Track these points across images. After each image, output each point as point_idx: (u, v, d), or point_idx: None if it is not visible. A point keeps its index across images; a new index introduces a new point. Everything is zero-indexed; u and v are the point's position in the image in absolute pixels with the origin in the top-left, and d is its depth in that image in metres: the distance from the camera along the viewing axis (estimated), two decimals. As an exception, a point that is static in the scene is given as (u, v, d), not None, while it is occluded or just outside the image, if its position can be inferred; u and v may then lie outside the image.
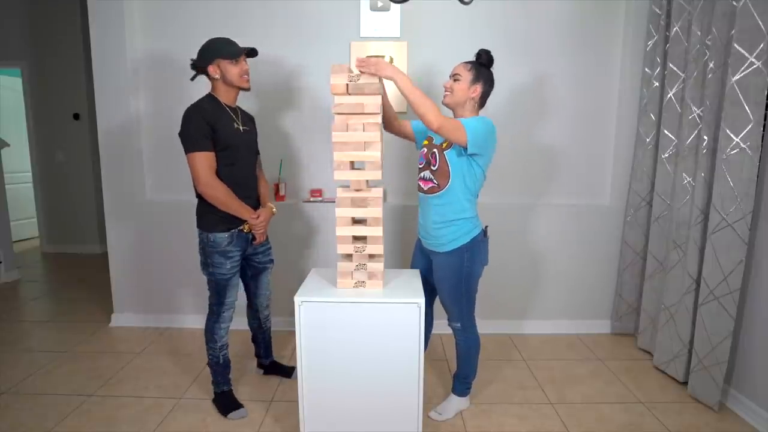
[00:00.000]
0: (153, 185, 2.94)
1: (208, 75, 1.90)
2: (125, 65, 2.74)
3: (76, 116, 4.62)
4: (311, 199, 2.84)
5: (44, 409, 2.07)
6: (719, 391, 2.06)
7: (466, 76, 1.86)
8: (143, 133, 2.87)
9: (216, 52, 1.85)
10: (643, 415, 2.08)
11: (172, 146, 2.85)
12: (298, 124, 2.84)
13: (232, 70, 1.87)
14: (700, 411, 2.10)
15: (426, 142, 1.98)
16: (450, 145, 1.83)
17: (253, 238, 2.03)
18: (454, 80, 1.87)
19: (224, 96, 1.92)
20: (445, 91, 1.90)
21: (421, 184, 1.95)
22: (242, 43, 1.93)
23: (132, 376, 2.37)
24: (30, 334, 2.88)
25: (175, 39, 2.77)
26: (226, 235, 1.91)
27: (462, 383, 2.08)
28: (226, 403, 2.05)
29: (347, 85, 1.59)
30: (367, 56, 1.71)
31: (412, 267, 2.10)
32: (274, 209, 2.12)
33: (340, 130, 1.62)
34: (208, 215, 1.91)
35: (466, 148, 1.76)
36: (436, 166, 1.87)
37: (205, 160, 1.81)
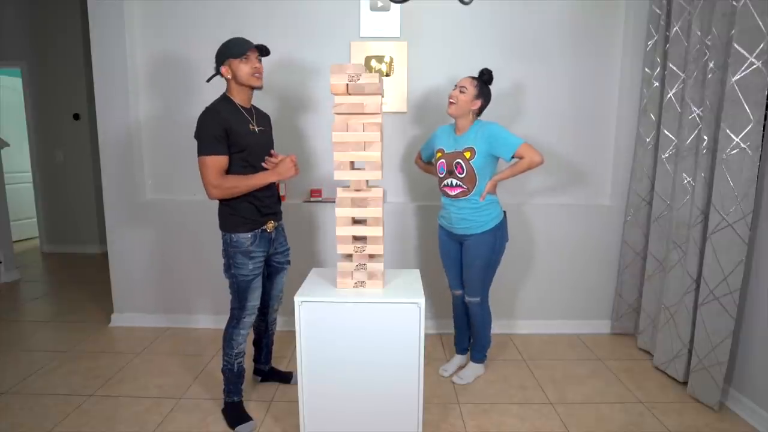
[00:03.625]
0: (153, 185, 2.94)
1: (223, 77, 1.90)
2: (125, 65, 2.74)
3: (76, 116, 4.63)
4: (311, 199, 2.84)
5: (44, 409, 2.07)
6: (719, 391, 2.06)
7: (471, 90, 2.11)
8: (143, 133, 2.87)
9: (226, 53, 1.85)
10: (643, 415, 2.08)
11: (172, 146, 2.86)
12: (298, 124, 2.84)
13: (243, 68, 1.84)
14: (700, 411, 2.10)
15: (439, 155, 2.21)
16: (474, 155, 2.09)
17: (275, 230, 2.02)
18: (460, 91, 2.11)
19: (238, 96, 1.90)
20: (450, 99, 2.13)
21: (447, 191, 2.20)
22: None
23: (132, 376, 2.37)
24: (30, 334, 2.89)
25: (175, 39, 2.77)
26: (249, 235, 1.89)
27: (480, 352, 2.38)
28: (235, 414, 1.99)
29: (347, 85, 1.59)
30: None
31: (445, 255, 2.34)
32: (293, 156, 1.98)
33: (340, 130, 1.62)
34: (230, 217, 1.89)
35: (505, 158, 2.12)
36: (464, 174, 2.12)
37: (215, 163, 1.79)
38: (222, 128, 1.79)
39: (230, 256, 1.91)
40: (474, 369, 2.38)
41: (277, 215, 2.04)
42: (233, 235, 1.89)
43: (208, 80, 1.94)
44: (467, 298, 2.27)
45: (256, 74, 1.88)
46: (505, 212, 2.26)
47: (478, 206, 2.15)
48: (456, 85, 2.16)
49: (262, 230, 1.94)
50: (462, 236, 2.22)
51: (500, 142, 2.09)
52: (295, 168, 1.90)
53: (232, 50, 1.84)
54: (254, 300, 1.96)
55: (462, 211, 2.17)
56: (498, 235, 2.20)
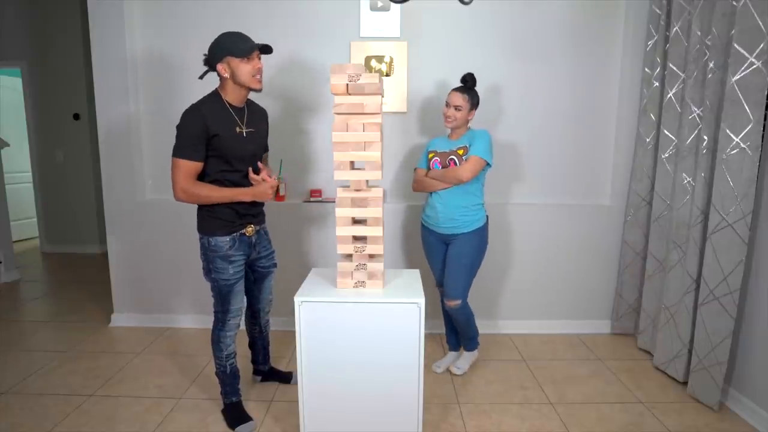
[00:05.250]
0: (153, 185, 2.94)
1: (217, 73, 1.79)
2: (125, 65, 2.74)
3: (76, 116, 4.63)
4: (311, 199, 2.84)
5: (44, 409, 2.07)
6: (719, 391, 2.06)
7: (466, 106, 2.19)
8: (143, 133, 2.87)
9: (226, 49, 1.73)
10: (643, 415, 2.08)
11: (172, 146, 2.85)
12: (298, 124, 2.84)
13: (244, 68, 1.74)
14: (700, 411, 2.10)
15: (432, 155, 2.28)
16: (466, 153, 2.17)
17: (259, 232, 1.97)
18: (456, 110, 2.18)
19: (231, 95, 1.80)
20: (447, 118, 2.21)
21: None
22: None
23: (132, 376, 2.37)
24: (30, 334, 2.89)
25: (175, 39, 2.77)
26: (227, 238, 1.83)
27: (472, 342, 2.44)
28: (234, 415, 1.97)
29: (347, 85, 1.58)
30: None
31: (430, 253, 2.38)
32: (280, 176, 1.95)
33: (340, 130, 1.62)
34: (208, 219, 1.83)
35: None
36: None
37: (187, 168, 1.72)
38: (202, 131, 1.71)
39: (209, 260, 1.85)
40: (468, 358, 2.45)
41: (257, 218, 1.97)
42: (211, 239, 1.83)
43: (201, 77, 1.82)
44: (448, 302, 2.27)
45: (258, 76, 1.78)
46: (487, 216, 2.30)
47: (464, 205, 2.19)
48: (448, 103, 2.19)
49: (240, 234, 1.88)
50: (448, 236, 2.25)
51: (474, 143, 2.16)
52: (272, 194, 1.85)
53: (234, 48, 1.73)
54: (238, 303, 1.92)
55: (449, 211, 2.20)
56: (482, 235, 2.26)
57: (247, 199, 1.83)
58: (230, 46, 1.74)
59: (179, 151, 1.74)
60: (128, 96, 2.77)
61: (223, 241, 1.83)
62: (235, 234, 1.86)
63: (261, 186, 1.83)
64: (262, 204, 2.00)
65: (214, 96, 1.81)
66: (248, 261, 1.98)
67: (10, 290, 3.71)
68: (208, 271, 1.88)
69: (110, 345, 2.73)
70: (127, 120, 2.79)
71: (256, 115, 1.94)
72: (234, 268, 1.87)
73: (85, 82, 4.48)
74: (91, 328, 2.96)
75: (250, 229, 1.91)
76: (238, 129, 1.81)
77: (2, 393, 2.20)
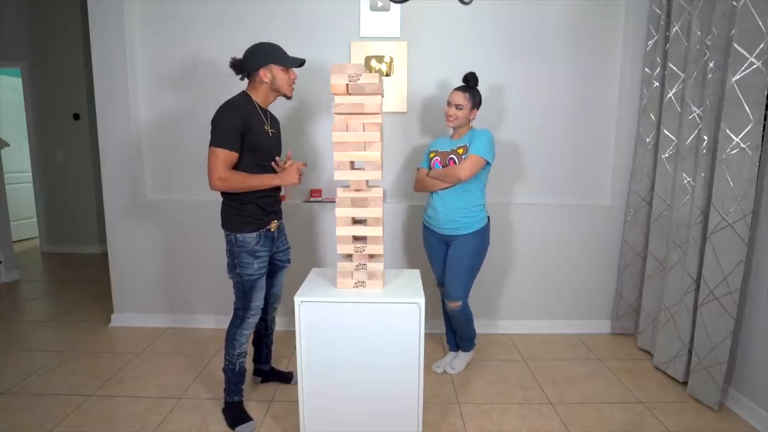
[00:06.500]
0: (153, 185, 2.94)
1: (251, 77, 1.90)
2: (125, 65, 2.73)
3: (76, 116, 4.63)
4: (311, 199, 2.84)
5: (44, 409, 2.07)
6: (719, 391, 2.06)
7: (467, 104, 2.19)
8: (143, 133, 2.87)
9: (271, 57, 1.87)
10: (643, 415, 2.08)
11: (172, 146, 2.86)
12: (298, 124, 2.84)
13: (284, 77, 1.90)
14: (700, 411, 2.10)
15: (433, 155, 2.28)
16: (466, 152, 2.16)
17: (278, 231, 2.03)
18: (457, 109, 2.18)
19: (261, 98, 1.93)
20: (449, 117, 2.21)
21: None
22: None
23: (132, 376, 2.37)
24: (30, 334, 2.89)
25: (175, 39, 2.77)
26: (254, 234, 1.90)
27: (469, 343, 2.46)
28: (235, 414, 1.99)
29: (347, 85, 1.59)
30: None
31: (431, 252, 2.38)
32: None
33: (340, 130, 1.63)
34: (235, 216, 1.90)
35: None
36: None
37: (226, 157, 1.79)
38: (241, 125, 1.80)
39: (235, 255, 1.91)
40: (465, 358, 2.46)
41: (278, 214, 2.06)
42: (239, 235, 1.89)
43: (242, 78, 1.94)
44: (449, 303, 2.28)
45: (293, 84, 1.95)
46: (488, 217, 2.30)
47: (465, 206, 2.20)
48: (449, 102, 2.20)
49: (266, 230, 1.95)
50: (449, 237, 2.26)
51: (474, 142, 2.16)
52: (299, 177, 1.94)
53: (280, 58, 1.88)
54: (258, 300, 1.97)
55: (450, 212, 2.20)
56: (483, 236, 2.25)
57: (276, 183, 1.92)
58: (276, 55, 1.88)
59: (218, 141, 1.80)
60: (128, 96, 2.76)
61: (251, 237, 1.91)
62: (261, 230, 1.93)
63: (289, 170, 1.94)
64: (280, 201, 2.09)
65: (246, 96, 1.92)
66: (269, 256, 2.04)
67: (10, 290, 3.71)
68: (233, 266, 1.93)
69: (110, 345, 2.73)
70: (127, 120, 2.79)
71: (274, 121, 2.05)
72: (259, 263, 1.93)
73: (85, 82, 4.48)
74: (91, 328, 2.96)
75: (274, 225, 1.99)
76: (265, 127, 1.93)
77: (2, 393, 2.20)
